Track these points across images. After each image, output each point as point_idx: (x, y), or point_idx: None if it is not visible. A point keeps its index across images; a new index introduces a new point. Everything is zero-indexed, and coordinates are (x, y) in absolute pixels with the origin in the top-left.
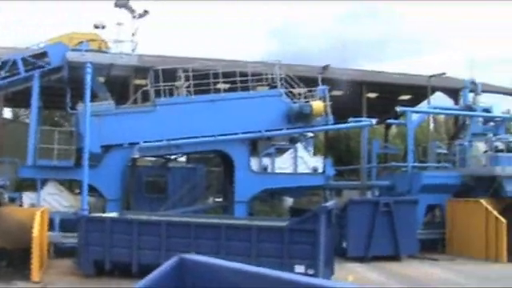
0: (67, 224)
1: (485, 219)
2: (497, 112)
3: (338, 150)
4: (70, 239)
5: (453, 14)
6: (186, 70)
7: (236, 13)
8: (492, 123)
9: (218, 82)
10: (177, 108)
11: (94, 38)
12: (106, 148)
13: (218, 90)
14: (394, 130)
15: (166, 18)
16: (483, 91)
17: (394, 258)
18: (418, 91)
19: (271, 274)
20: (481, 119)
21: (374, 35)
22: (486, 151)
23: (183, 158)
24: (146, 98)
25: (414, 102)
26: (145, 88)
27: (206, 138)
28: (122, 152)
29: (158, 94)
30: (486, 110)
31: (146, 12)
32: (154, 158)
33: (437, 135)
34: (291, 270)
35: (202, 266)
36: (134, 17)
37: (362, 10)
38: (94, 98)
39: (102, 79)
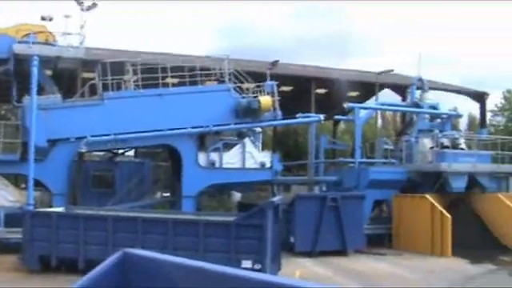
0: (12, 219)
1: (430, 214)
2: (443, 109)
3: (287, 146)
4: (16, 235)
5: (399, 15)
6: (134, 64)
7: (184, 12)
8: (438, 120)
9: (167, 77)
10: (125, 102)
11: (41, 30)
12: (53, 142)
13: (166, 85)
14: (342, 126)
15: (116, 17)
16: (430, 88)
17: (341, 252)
18: (367, 88)
19: (216, 269)
20: (427, 116)
21: (323, 34)
22: (432, 147)
23: (131, 153)
24: (93, 91)
25: (362, 99)
26: (92, 81)
27: (154, 133)
28: (68, 146)
29: (105, 87)
30: (433, 107)
31: (94, 4)
32: (101, 153)
33: (385, 132)
34: (238, 265)
35: (147, 260)
36: (82, 9)
37: (310, 9)
38: (40, 91)
39: (49, 72)
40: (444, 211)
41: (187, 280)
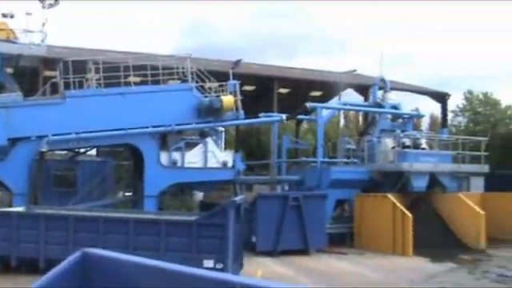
0: None
1: (392, 214)
2: (405, 109)
3: (250, 145)
4: None
5: (363, 16)
6: (96, 62)
7: (147, 12)
8: (400, 120)
9: (129, 75)
10: (86, 101)
11: (2, 27)
12: (13, 141)
13: (128, 83)
14: (305, 125)
15: (78, 17)
16: (392, 89)
17: (303, 252)
18: (329, 87)
19: (176, 269)
20: (389, 116)
21: (287, 34)
22: (393, 147)
23: (94, 152)
24: (55, 90)
25: (325, 99)
26: (54, 80)
27: (116, 132)
28: (29, 145)
29: (67, 86)
30: (395, 107)
31: (56, 2)
32: (63, 152)
33: (347, 131)
34: (200, 265)
35: (106, 260)
36: (44, 7)
37: (273, 9)
38: (1, 89)
39: (9, 70)
40: (405, 210)
41: (147, 279)
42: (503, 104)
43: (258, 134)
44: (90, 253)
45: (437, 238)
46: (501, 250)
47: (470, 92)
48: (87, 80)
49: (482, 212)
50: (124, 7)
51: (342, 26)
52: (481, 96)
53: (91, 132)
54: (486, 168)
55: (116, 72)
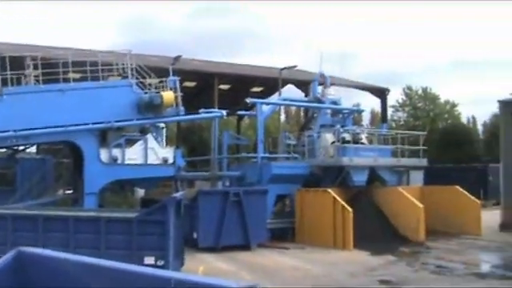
0: None
1: (332, 208)
2: (345, 105)
3: (192, 141)
4: None
5: (307, 15)
6: (34, 59)
7: (86, 9)
8: (340, 115)
9: (68, 71)
10: (25, 97)
11: None
12: None
13: (67, 80)
14: (247, 121)
15: (16, 16)
16: (332, 84)
17: (245, 247)
18: (270, 83)
19: (113, 266)
20: (329, 111)
21: (228, 31)
22: (333, 142)
23: (34, 149)
24: None
25: (266, 94)
26: None
27: (54, 129)
28: None
29: (5, 82)
30: (334, 103)
31: None
32: (1, 149)
33: (289, 127)
34: (141, 262)
35: (42, 258)
36: None
37: (215, 6)
38: None
39: None
40: (346, 205)
41: (85, 277)
42: (442, 99)
43: (200, 130)
44: (26, 251)
45: (377, 232)
46: (440, 242)
47: (409, 88)
48: (25, 76)
49: (420, 205)
50: (55, 6)
51: (286, 25)
52: (420, 91)
53: (30, 129)
54: (424, 162)
55: (55, 68)
